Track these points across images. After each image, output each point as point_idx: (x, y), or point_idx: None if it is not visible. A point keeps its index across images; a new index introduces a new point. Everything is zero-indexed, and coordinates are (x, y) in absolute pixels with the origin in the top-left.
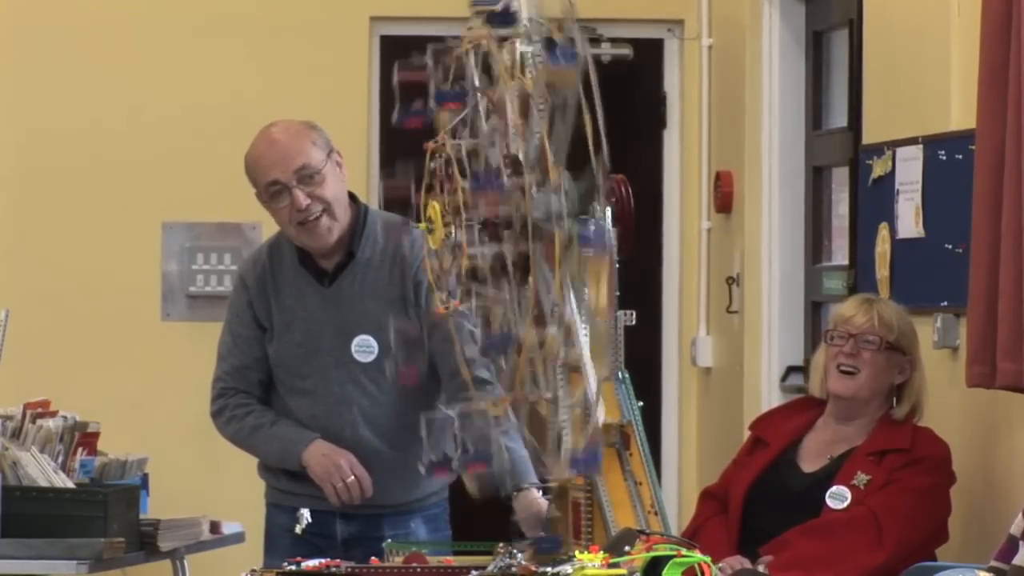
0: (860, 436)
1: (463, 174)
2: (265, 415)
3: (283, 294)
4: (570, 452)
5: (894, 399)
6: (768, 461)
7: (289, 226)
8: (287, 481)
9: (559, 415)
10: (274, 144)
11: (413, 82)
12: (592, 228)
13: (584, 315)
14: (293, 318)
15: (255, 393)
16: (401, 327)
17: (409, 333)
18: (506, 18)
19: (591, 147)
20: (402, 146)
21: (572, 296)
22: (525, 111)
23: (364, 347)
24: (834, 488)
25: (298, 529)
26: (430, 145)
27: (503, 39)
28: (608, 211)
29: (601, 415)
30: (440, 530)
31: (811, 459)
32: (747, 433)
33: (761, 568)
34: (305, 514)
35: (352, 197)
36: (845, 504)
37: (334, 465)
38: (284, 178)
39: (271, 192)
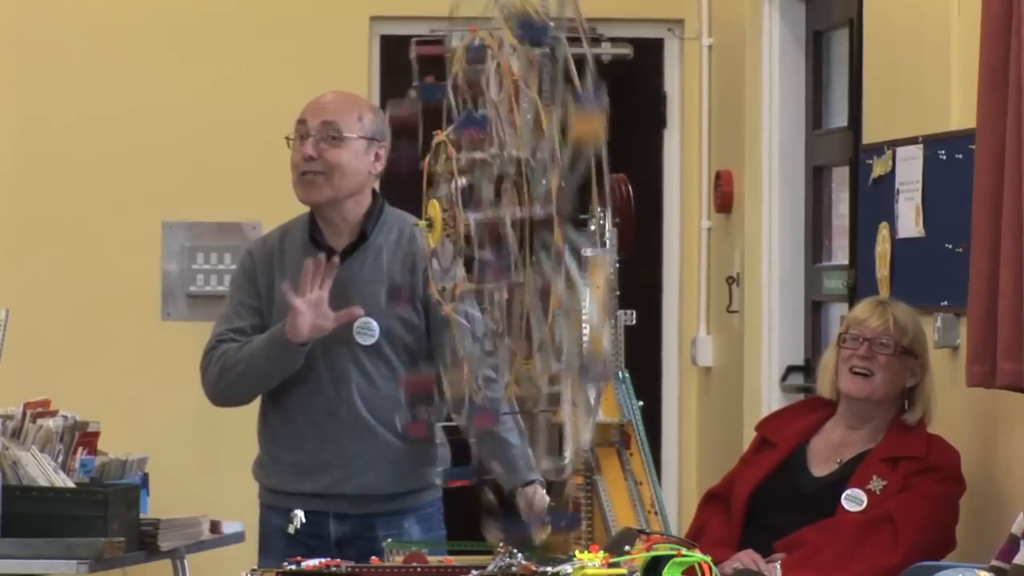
0: (871, 440)
1: (466, 205)
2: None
3: (289, 270)
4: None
5: (905, 402)
6: (776, 462)
7: (294, 171)
8: (279, 478)
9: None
10: (327, 95)
11: (430, 56)
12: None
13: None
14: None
15: None
16: (412, 380)
17: (420, 386)
18: (538, 32)
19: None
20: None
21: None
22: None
23: (365, 329)
24: (850, 491)
25: (291, 529)
26: (439, 133)
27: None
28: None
29: (607, 342)
30: (434, 530)
31: (820, 462)
32: (748, 432)
33: (775, 565)
34: (299, 515)
35: (372, 192)
36: (861, 507)
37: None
38: (310, 123)
39: (296, 129)
